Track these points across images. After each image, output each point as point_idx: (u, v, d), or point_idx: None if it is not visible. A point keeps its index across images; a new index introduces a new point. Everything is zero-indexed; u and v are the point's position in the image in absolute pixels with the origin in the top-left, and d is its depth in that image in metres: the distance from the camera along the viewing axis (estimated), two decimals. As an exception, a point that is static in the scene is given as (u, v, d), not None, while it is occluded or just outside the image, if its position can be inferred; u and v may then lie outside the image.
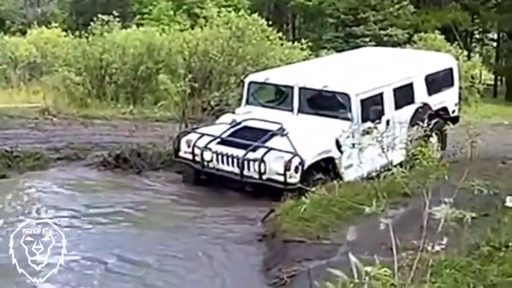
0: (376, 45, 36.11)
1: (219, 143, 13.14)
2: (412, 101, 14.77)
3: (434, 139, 14.73)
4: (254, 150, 12.63)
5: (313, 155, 12.54)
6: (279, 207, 10.61)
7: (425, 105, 14.94)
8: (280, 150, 12.43)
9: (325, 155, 12.81)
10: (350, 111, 13.29)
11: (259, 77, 15.15)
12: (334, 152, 12.93)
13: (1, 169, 13.69)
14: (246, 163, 12.55)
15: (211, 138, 13.25)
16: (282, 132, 12.86)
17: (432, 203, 6.70)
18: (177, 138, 13.85)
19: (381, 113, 13.68)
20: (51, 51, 26.69)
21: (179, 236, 10.46)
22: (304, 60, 21.77)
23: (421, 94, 15.05)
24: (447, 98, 16.03)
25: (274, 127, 13.04)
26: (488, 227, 8.52)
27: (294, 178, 12.11)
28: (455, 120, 15.92)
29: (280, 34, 25.40)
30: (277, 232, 9.79)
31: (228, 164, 12.84)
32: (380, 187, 8.45)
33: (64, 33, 29.20)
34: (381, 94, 14.03)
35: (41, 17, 42.82)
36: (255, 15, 24.33)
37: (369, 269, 5.08)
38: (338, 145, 12.94)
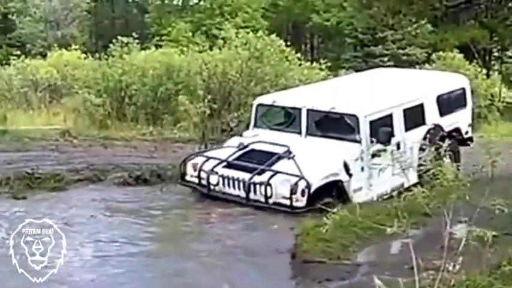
0: (394, 65, 36.13)
1: (225, 166, 13.05)
2: (423, 122, 14.56)
3: (447, 160, 14.64)
4: (260, 173, 12.51)
5: (320, 178, 12.35)
6: (300, 227, 10.59)
7: (437, 127, 14.70)
8: (286, 174, 12.29)
9: (332, 178, 12.59)
10: (358, 133, 13.12)
11: (267, 99, 14.96)
12: (343, 175, 12.72)
13: (22, 190, 13.76)
14: (252, 187, 12.43)
15: (218, 161, 13.17)
16: (288, 155, 12.74)
17: (452, 223, 6.69)
18: (184, 161, 13.75)
19: (391, 134, 13.41)
20: (71, 74, 26.83)
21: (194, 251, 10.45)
22: (322, 80, 21.76)
23: (432, 115, 14.82)
24: (460, 119, 15.79)
25: (281, 150, 12.92)
26: (509, 247, 8.47)
27: (301, 202, 11.98)
28: (468, 141, 15.82)
29: (298, 54, 25.46)
30: (298, 252, 9.78)
31: (234, 187, 12.72)
32: (400, 207, 8.43)
33: (84, 55, 29.43)
34: (391, 115, 13.81)
35: (61, 40, 43.12)
36: (274, 36, 24.38)
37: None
38: (346, 168, 12.76)
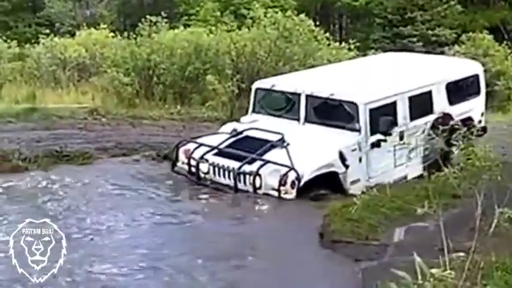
0: (423, 46, 35.87)
1: (216, 154, 12.59)
2: (430, 111, 13.86)
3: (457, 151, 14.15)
4: (250, 162, 12.00)
5: (311, 170, 11.76)
6: (328, 207, 10.55)
7: (446, 116, 13.89)
8: (276, 164, 11.77)
9: (326, 170, 12.01)
10: (358, 121, 12.49)
11: (266, 83, 14.36)
12: (338, 166, 12.12)
13: (50, 168, 13.87)
14: (241, 176, 11.96)
15: (209, 148, 12.72)
16: (282, 143, 12.20)
17: (482, 204, 6.65)
18: (176, 148, 13.34)
19: (394, 123, 12.87)
20: (99, 52, 26.83)
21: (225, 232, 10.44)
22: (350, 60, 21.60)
23: (441, 103, 14.10)
24: (472, 108, 14.99)
25: (275, 138, 12.37)
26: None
27: (290, 194, 11.54)
28: (481, 131, 15.16)
29: (327, 34, 25.27)
30: (326, 232, 9.75)
31: (224, 176, 12.24)
32: (430, 188, 8.39)
33: (112, 34, 29.39)
34: (394, 103, 13.16)
35: (89, 19, 43.24)
36: (302, 16, 24.15)
37: (434, 270, 5.04)
38: (342, 158, 12.17)
